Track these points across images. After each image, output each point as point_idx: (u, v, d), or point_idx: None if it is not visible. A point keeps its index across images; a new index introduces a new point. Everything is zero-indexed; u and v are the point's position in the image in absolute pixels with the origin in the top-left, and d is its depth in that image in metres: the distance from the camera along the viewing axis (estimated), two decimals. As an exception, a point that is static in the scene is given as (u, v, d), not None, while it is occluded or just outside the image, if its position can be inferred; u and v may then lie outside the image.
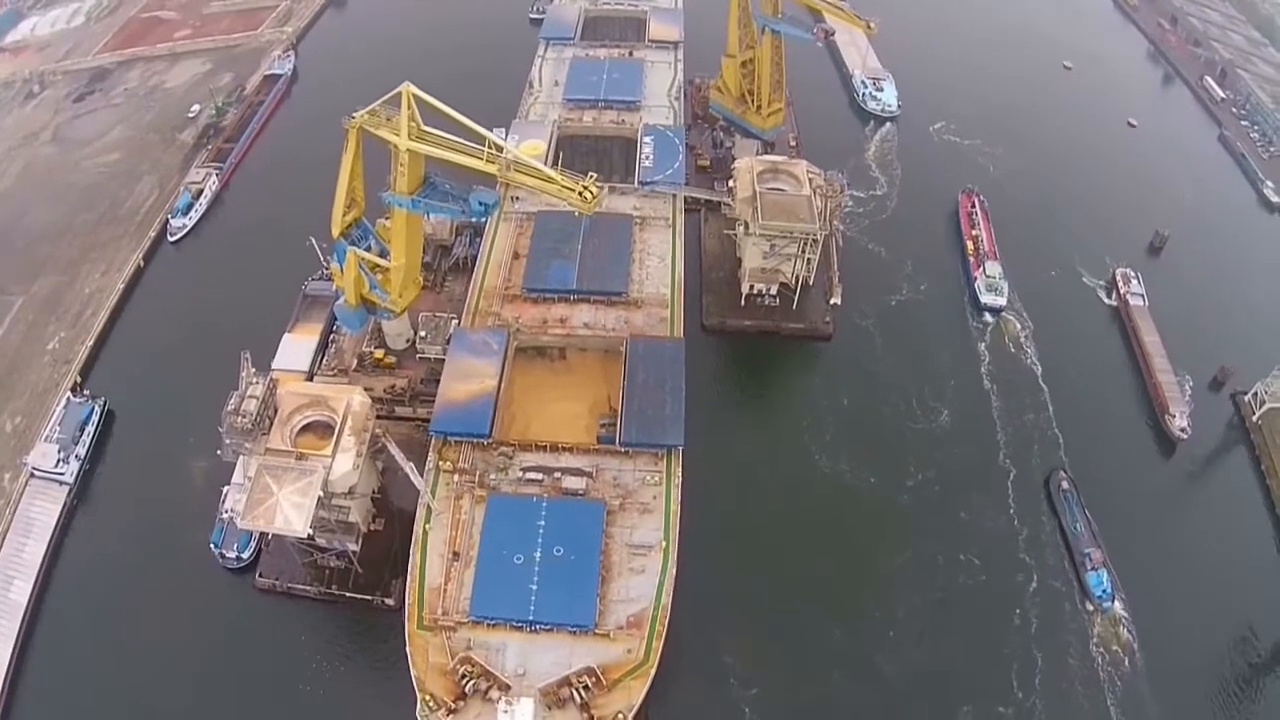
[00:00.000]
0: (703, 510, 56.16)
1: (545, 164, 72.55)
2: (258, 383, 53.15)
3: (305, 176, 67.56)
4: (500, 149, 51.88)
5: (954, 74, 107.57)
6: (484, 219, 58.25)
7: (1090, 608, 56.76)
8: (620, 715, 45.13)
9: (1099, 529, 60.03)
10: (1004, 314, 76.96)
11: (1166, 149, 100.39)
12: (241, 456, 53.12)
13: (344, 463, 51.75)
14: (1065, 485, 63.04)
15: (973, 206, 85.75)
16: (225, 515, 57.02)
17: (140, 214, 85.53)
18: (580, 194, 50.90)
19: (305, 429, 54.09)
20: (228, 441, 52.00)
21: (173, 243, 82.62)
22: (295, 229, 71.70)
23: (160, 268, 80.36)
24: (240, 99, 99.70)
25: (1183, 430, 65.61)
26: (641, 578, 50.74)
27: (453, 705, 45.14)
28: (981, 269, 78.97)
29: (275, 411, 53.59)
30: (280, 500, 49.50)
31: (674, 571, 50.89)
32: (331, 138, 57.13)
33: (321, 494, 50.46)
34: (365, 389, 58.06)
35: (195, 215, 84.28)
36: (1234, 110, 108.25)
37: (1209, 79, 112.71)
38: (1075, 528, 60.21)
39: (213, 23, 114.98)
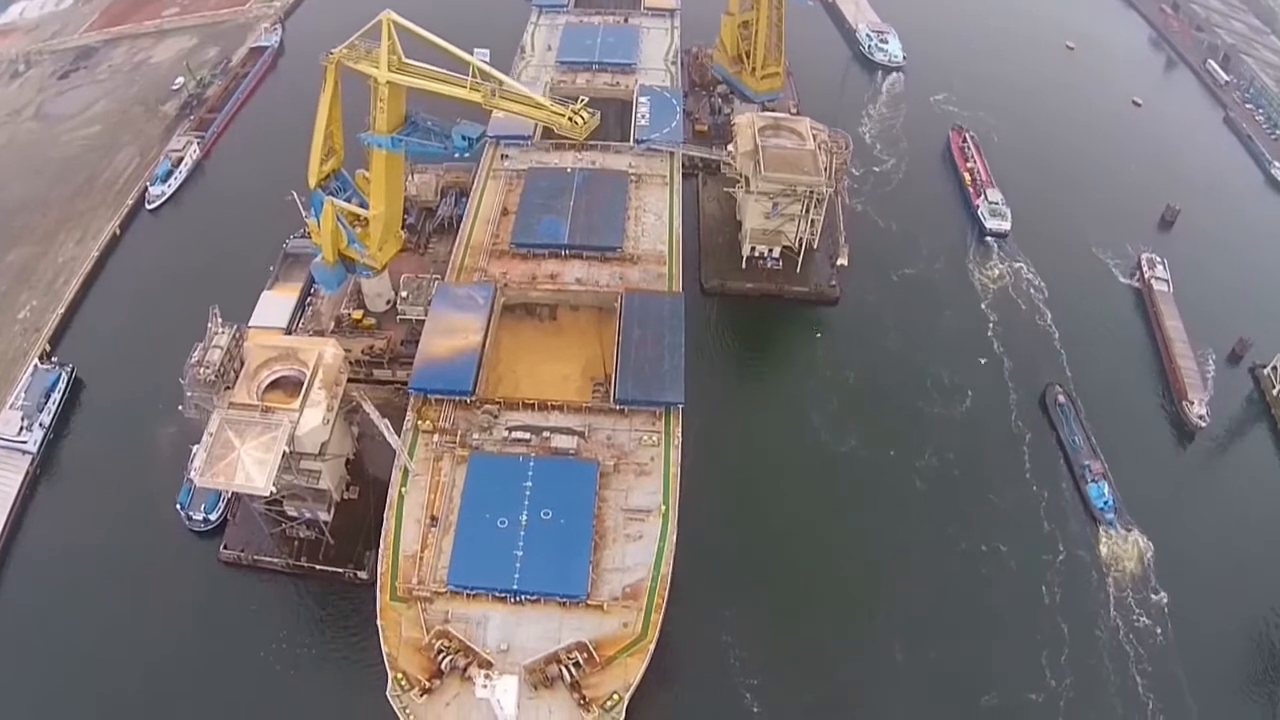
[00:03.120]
0: (702, 478, 52.66)
1: (536, 126, 70.38)
2: (223, 333, 49.74)
3: (288, 144, 65.13)
4: (485, 75, 48.66)
5: (952, 42, 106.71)
6: (467, 155, 54.94)
7: (1105, 552, 54.90)
8: (615, 696, 40.63)
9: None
10: (1008, 247, 76.49)
11: (1172, 128, 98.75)
12: (212, 416, 49.54)
13: (312, 417, 48.00)
14: (1061, 399, 62.43)
15: (964, 141, 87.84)
16: (192, 476, 53.46)
17: (118, 184, 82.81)
18: (570, 119, 47.65)
19: (274, 385, 50.49)
20: (189, 395, 48.53)
21: (151, 211, 79.84)
22: (276, 192, 68.77)
23: (137, 236, 77.69)
24: (224, 71, 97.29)
25: (1201, 418, 63.30)
26: (638, 544, 46.73)
27: (427, 684, 40.77)
28: (982, 196, 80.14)
29: (241, 364, 50.14)
30: (242, 456, 45.72)
31: (674, 538, 46.89)
32: (316, 106, 54.32)
33: (288, 450, 46.80)
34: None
35: (175, 183, 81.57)
36: (1238, 94, 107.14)
37: (1212, 63, 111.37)
38: (1074, 440, 60.30)
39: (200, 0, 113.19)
